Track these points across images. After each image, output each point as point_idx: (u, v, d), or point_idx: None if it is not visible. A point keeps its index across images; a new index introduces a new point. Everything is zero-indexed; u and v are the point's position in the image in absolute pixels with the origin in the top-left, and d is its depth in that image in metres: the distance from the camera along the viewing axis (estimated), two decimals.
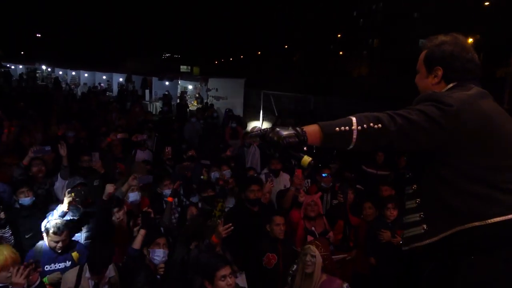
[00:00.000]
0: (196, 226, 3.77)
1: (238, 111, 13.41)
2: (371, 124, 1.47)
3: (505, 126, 1.58)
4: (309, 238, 4.01)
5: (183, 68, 31.72)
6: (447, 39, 1.73)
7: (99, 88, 19.21)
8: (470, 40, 22.46)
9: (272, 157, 5.53)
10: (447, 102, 1.50)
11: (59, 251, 3.30)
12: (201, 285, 2.77)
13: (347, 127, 1.48)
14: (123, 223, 3.89)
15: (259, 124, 12.66)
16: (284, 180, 5.49)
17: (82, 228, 3.84)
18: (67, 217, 3.62)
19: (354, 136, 1.48)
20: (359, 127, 1.47)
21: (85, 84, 20.90)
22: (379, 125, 1.47)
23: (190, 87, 17.34)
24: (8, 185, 4.30)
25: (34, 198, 3.96)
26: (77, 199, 3.69)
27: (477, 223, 1.49)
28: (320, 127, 1.51)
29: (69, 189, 3.74)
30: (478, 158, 1.51)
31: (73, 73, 22.42)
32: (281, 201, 4.74)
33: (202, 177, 5.30)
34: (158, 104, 15.82)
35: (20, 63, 25.44)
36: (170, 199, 4.38)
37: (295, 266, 3.25)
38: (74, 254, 3.34)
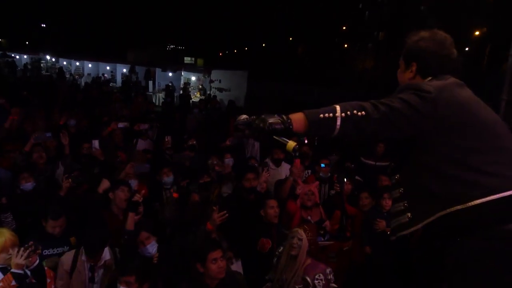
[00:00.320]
0: (195, 214, 3.83)
1: (241, 103, 13.43)
2: (355, 111, 1.51)
3: (481, 112, 1.63)
4: None
5: (187, 59, 31.60)
6: (425, 35, 1.77)
7: (102, 79, 19.27)
8: (477, 33, 22.23)
9: (274, 146, 5.55)
10: (425, 89, 1.56)
11: (58, 236, 3.35)
12: (193, 268, 2.82)
13: (331, 114, 1.51)
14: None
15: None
16: (285, 170, 5.51)
17: None
18: None
19: (338, 123, 1.51)
20: (343, 114, 1.51)
21: (89, 74, 20.94)
22: (363, 112, 1.51)
23: (193, 78, 17.37)
24: (10, 171, 4.38)
25: (35, 184, 4.03)
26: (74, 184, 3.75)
27: (459, 207, 1.53)
28: (305, 114, 1.55)
29: (66, 175, 3.80)
30: (458, 141, 1.56)
31: (77, 63, 22.45)
32: (278, 190, 4.77)
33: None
34: (161, 95, 15.87)
35: (25, 53, 25.41)
36: (175, 195, 4.39)
37: (281, 248, 3.30)
38: (72, 239, 3.40)
